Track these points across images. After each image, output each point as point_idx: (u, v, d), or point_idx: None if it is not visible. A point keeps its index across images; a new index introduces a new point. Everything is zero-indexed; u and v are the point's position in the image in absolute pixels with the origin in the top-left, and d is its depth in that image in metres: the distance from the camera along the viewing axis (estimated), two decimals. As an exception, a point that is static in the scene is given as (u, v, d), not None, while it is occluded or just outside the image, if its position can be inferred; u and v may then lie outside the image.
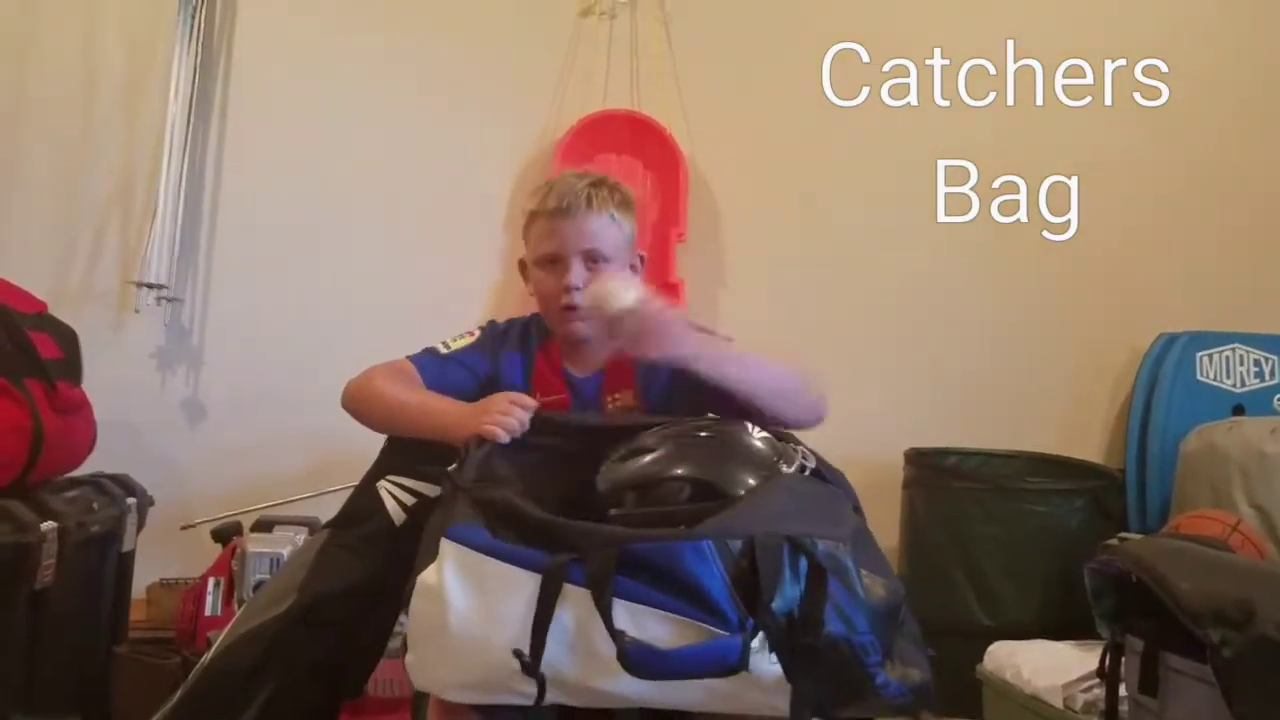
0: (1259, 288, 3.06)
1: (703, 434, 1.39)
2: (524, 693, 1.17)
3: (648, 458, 1.34)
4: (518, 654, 1.13)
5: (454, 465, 1.34)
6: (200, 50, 2.77)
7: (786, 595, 1.13)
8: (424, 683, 1.23)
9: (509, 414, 1.43)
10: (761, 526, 1.17)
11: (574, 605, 1.14)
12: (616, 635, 1.11)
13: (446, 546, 1.18)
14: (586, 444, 1.44)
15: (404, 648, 1.24)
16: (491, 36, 2.92)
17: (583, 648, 1.15)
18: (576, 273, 1.63)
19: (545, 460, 1.43)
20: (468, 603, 1.16)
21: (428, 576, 1.18)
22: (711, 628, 1.13)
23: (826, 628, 1.13)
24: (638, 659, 1.11)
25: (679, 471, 1.32)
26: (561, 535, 1.18)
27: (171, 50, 2.75)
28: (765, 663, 1.13)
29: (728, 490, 1.29)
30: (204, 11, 2.78)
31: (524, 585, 1.15)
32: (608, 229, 1.65)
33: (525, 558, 1.16)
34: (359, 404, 1.61)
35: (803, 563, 1.15)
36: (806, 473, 1.37)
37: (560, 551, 1.15)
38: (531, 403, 1.47)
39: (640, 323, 1.45)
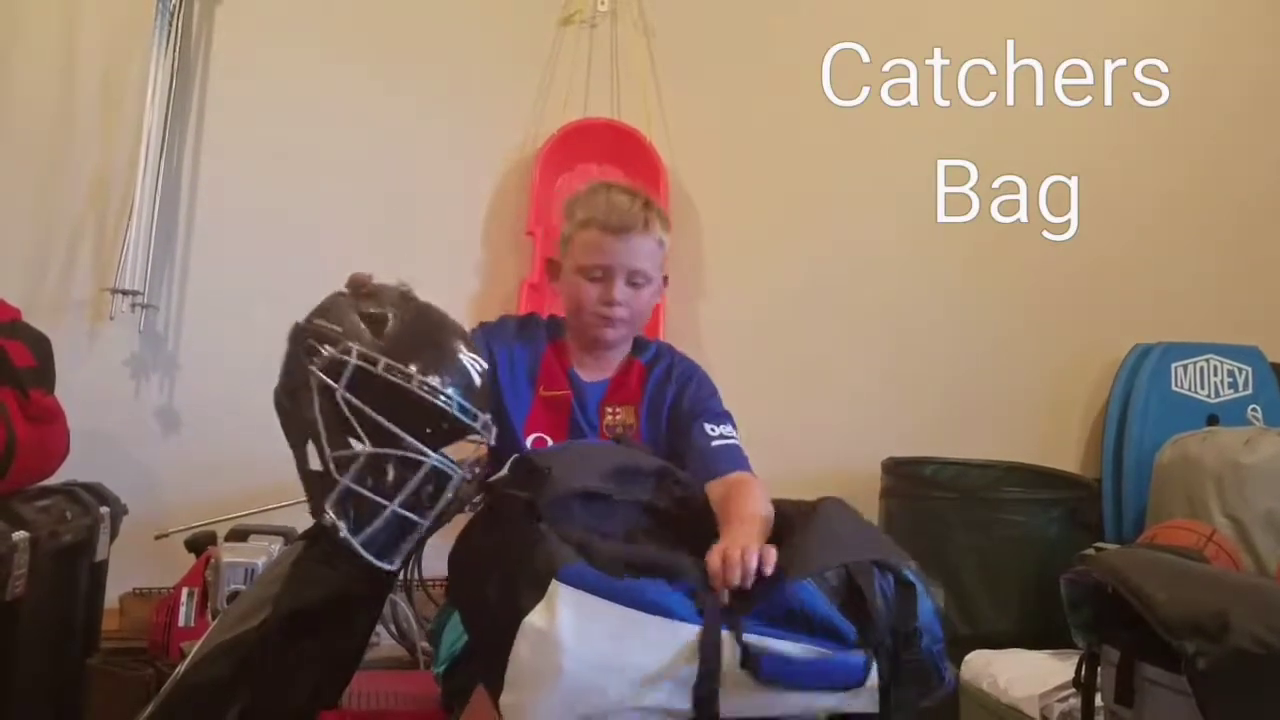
0: (1233, 298, 3.09)
1: None
2: None
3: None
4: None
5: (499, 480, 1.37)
6: (177, 56, 2.77)
7: (880, 613, 1.23)
8: None
9: None
10: (848, 555, 1.26)
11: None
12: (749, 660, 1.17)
13: (561, 590, 1.17)
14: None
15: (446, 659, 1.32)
16: (472, 45, 2.93)
17: None
18: (621, 290, 1.71)
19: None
20: (586, 647, 1.16)
21: (536, 620, 1.17)
22: (829, 651, 1.20)
23: (921, 641, 1.25)
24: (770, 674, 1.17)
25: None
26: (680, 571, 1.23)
27: (148, 54, 2.74)
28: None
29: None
30: (181, 16, 2.78)
31: (647, 625, 1.18)
32: (655, 252, 1.75)
33: (659, 606, 1.18)
34: None
35: (890, 581, 1.25)
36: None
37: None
38: None
39: None
